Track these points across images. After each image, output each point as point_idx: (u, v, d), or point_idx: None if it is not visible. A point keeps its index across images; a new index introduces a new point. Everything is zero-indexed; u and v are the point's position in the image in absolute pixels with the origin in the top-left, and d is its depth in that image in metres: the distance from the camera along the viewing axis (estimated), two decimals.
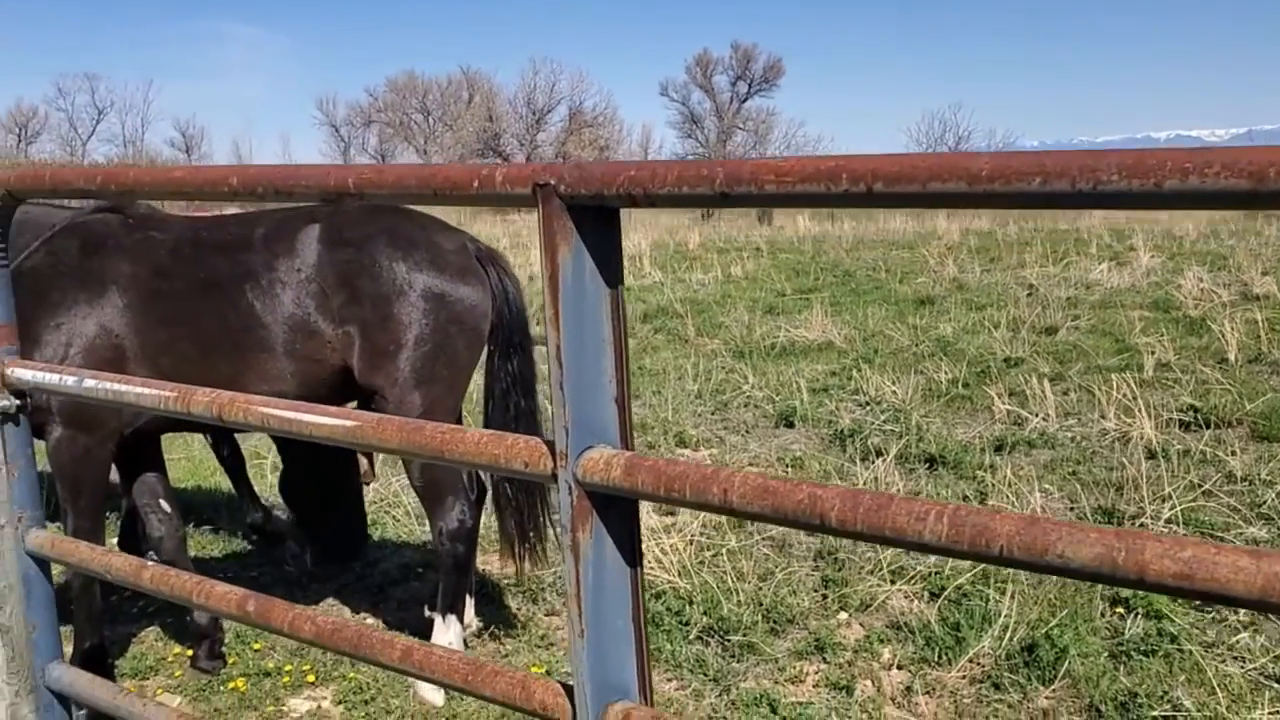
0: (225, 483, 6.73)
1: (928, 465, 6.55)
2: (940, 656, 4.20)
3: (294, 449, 5.37)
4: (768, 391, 8.44)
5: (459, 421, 4.45)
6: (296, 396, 3.99)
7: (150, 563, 2.13)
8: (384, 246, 4.08)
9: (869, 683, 4.10)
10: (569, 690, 1.54)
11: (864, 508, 1.23)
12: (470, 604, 4.62)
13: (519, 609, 4.92)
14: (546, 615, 4.86)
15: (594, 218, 1.42)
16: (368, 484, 5.81)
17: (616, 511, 1.48)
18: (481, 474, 4.67)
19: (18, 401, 2.25)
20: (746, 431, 7.56)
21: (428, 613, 4.82)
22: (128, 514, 5.50)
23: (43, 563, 2.34)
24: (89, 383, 2.08)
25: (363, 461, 5.86)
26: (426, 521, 5.98)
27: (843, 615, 4.66)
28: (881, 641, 4.38)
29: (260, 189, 1.72)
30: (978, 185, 1.14)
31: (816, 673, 4.20)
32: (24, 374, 2.20)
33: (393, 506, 6.34)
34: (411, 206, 4.47)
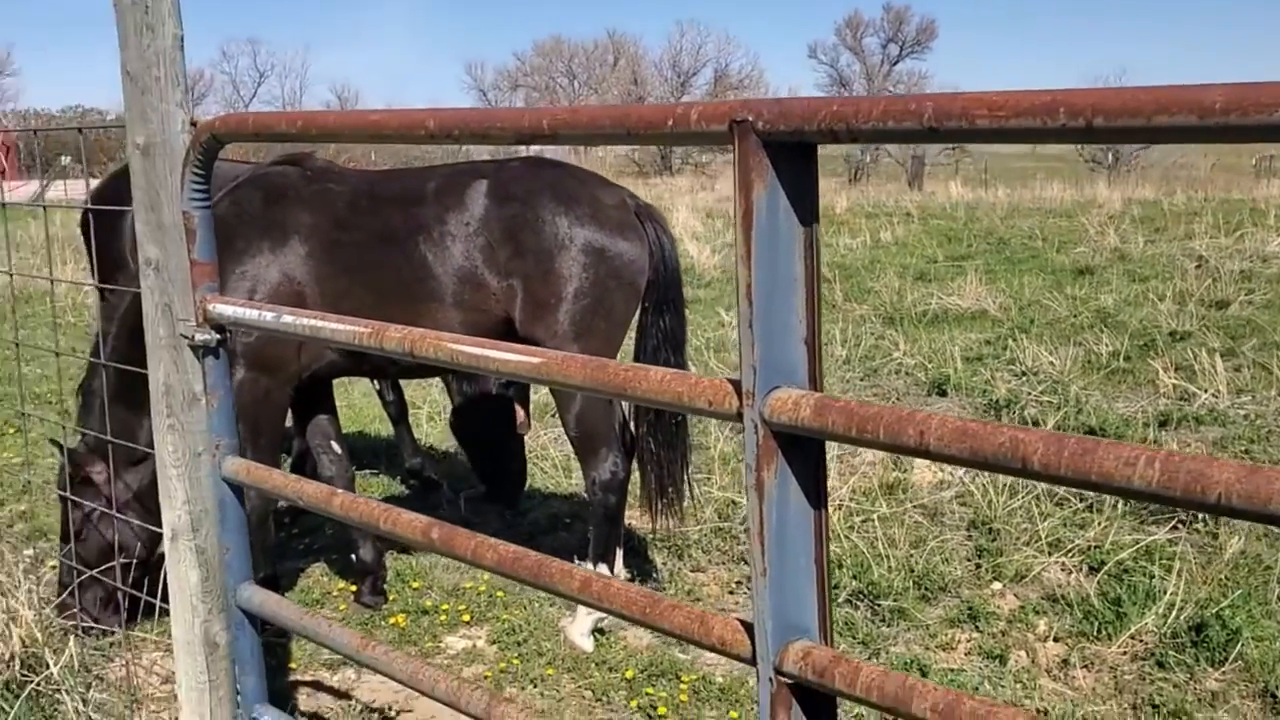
0: (384, 430, 7.00)
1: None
2: (1099, 631, 4.08)
3: (466, 393, 5.65)
4: (919, 359, 8.27)
5: None
6: None
7: (340, 491, 2.24)
8: (548, 201, 4.15)
9: (1023, 653, 4.02)
10: (748, 627, 1.56)
11: (1069, 451, 1.20)
12: (619, 555, 4.69)
13: (665, 564, 4.98)
14: (692, 571, 4.91)
15: (791, 154, 1.41)
16: (523, 434, 5.96)
17: (802, 452, 1.48)
18: (631, 427, 4.71)
19: (218, 336, 2.38)
20: (898, 399, 7.43)
21: (577, 562, 4.92)
22: (298, 455, 5.78)
23: (237, 489, 2.48)
24: (286, 318, 2.18)
25: (519, 412, 6.00)
26: (574, 474, 6.11)
27: (996, 585, 4.56)
28: (1037, 613, 4.27)
29: (456, 131, 1.77)
30: (1210, 119, 1.09)
31: (969, 641, 4.13)
32: (224, 309, 2.33)
33: (541, 459, 6.48)
34: (571, 163, 4.53)
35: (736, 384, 1.51)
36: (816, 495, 1.51)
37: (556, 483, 6.19)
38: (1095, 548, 4.68)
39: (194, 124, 2.39)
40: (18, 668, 3.69)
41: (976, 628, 4.21)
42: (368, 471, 6.53)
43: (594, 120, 1.60)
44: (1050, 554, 4.68)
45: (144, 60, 2.34)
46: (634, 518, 5.35)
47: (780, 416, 1.44)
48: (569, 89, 76.60)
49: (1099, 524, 4.87)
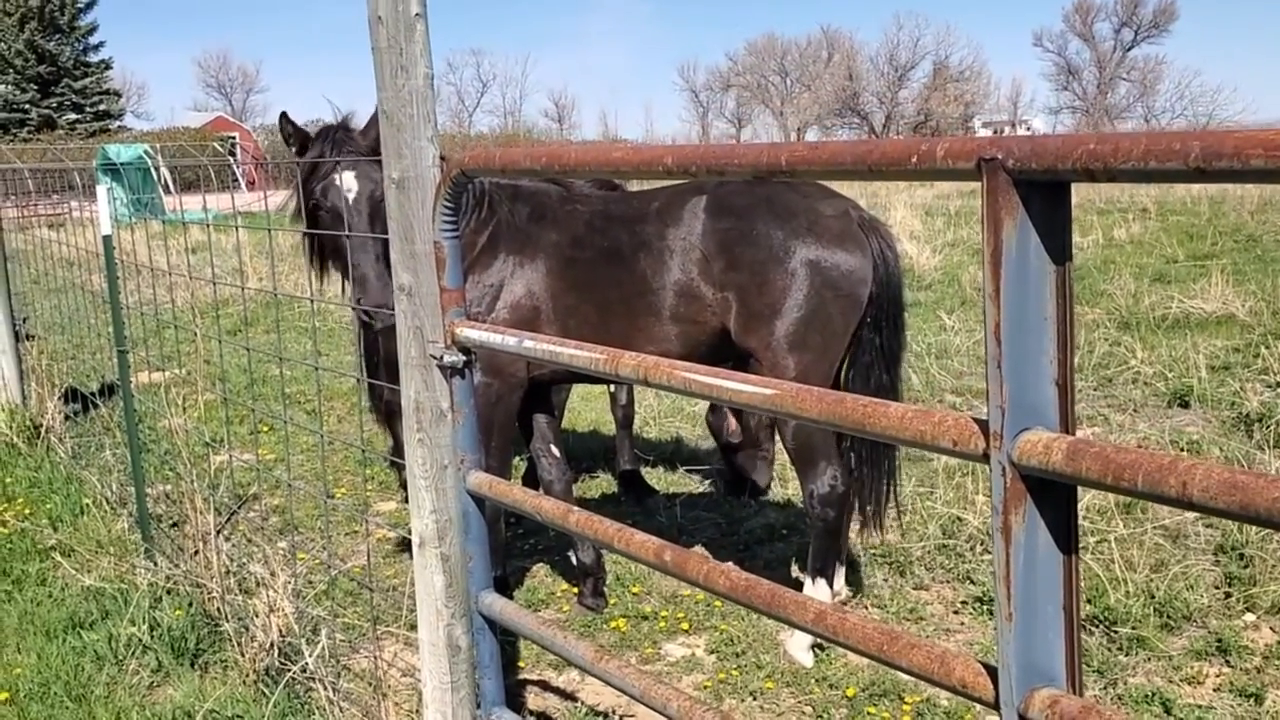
0: (603, 432, 7.19)
1: None
2: None
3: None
4: (1158, 367, 7.79)
5: (835, 388, 4.47)
6: (679, 356, 4.19)
7: (575, 508, 2.33)
8: (763, 214, 4.17)
9: None
10: (991, 670, 1.53)
11: None
12: (840, 571, 4.65)
13: (886, 580, 4.89)
14: (915, 589, 4.80)
15: (1042, 192, 1.38)
16: (733, 441, 6.02)
17: (1052, 496, 1.44)
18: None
19: (465, 358, 2.51)
20: (1134, 411, 7.03)
21: (796, 573, 4.92)
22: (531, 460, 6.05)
23: (479, 501, 2.61)
24: (529, 343, 2.29)
25: (731, 421, 6.05)
26: (790, 483, 6.09)
27: (1249, 616, 4.25)
28: None
29: (694, 168, 1.81)
30: None
31: (1218, 675, 3.87)
32: (472, 334, 2.46)
33: None
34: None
35: (983, 424, 1.48)
36: (1067, 541, 1.46)
37: (774, 493, 6.19)
38: None
39: (444, 159, 2.53)
40: (276, 656, 4.01)
41: (1227, 662, 3.94)
42: (585, 475, 6.72)
43: (834, 156, 1.60)
44: None
45: (399, 99, 2.50)
46: (856, 532, 5.29)
47: (1030, 460, 1.40)
48: (781, 87, 76.27)
49: None
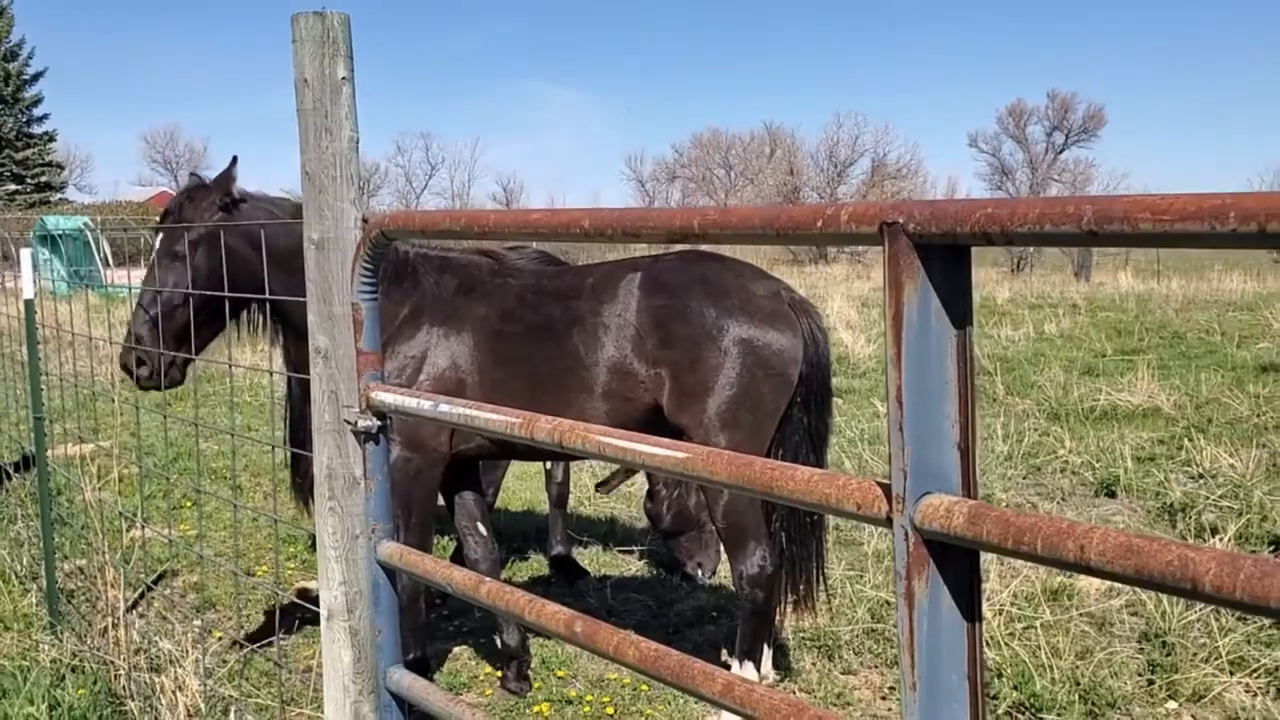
0: (538, 512, 7.09)
1: (1272, 548, 5.90)
2: None
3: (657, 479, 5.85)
4: (1086, 457, 7.91)
5: None
6: None
7: (488, 579, 2.27)
8: (697, 292, 4.19)
9: None
10: None
11: (1245, 574, 1.12)
12: (767, 654, 4.59)
13: (814, 664, 4.84)
14: (843, 674, 4.76)
15: (943, 256, 1.39)
16: (662, 526, 5.95)
17: (955, 561, 1.43)
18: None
19: (379, 423, 2.47)
20: (1062, 499, 7.11)
21: (725, 657, 4.84)
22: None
23: (390, 572, 2.54)
24: (444, 407, 2.25)
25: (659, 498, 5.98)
26: (722, 566, 6.03)
27: (1171, 704, 4.25)
28: None
29: (610, 230, 1.81)
30: None
31: None
32: (386, 397, 2.42)
33: None
34: (729, 255, 4.58)
35: (886, 488, 1.47)
36: (970, 608, 1.44)
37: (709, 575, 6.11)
38: None
39: (365, 221, 2.52)
40: None
41: None
42: (515, 555, 6.61)
43: (744, 220, 1.61)
44: (1232, 673, 4.35)
45: (322, 161, 2.48)
46: (783, 616, 5.23)
47: (932, 524, 1.39)
48: (725, 180, 77.72)
49: None
